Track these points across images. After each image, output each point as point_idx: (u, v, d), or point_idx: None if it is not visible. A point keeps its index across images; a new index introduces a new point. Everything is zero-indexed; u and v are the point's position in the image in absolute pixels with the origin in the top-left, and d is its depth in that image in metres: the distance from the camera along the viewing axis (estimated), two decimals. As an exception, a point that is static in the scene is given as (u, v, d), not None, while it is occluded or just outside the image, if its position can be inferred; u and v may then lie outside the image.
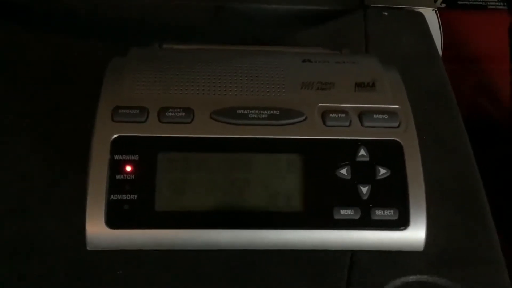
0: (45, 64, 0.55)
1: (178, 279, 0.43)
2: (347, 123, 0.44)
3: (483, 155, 0.52)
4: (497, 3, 0.86)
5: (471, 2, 0.87)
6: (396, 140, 0.44)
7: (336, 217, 0.42)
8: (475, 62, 0.86)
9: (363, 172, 0.43)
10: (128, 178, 0.42)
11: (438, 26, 0.65)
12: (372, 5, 0.64)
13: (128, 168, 0.42)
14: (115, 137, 0.43)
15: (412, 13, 0.64)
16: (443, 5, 0.85)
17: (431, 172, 0.45)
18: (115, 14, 0.60)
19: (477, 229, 0.47)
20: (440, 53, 0.63)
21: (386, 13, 0.63)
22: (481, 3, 0.87)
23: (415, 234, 0.42)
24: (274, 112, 0.44)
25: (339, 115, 0.45)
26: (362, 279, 0.44)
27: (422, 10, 0.64)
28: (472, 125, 0.55)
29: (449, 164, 0.50)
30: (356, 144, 0.44)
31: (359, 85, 0.47)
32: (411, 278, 0.44)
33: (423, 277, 0.44)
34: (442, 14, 0.66)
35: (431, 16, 0.65)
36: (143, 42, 0.52)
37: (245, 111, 0.44)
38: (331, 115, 0.45)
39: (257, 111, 0.44)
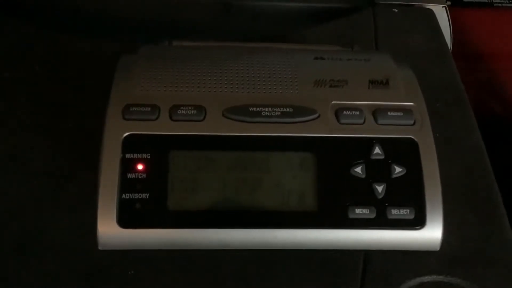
0: (54, 62, 0.55)
1: (190, 278, 0.43)
2: (361, 121, 0.44)
3: (491, 153, 0.52)
4: (502, 1, 0.86)
5: (476, 0, 0.86)
6: (411, 138, 0.43)
7: (351, 216, 0.42)
8: (480, 60, 0.86)
9: (378, 171, 0.42)
10: (140, 177, 0.41)
11: (448, 23, 0.65)
12: (381, 2, 0.63)
13: (140, 167, 0.42)
14: (126, 135, 0.42)
15: (422, 10, 0.64)
16: (448, 3, 0.84)
17: (444, 170, 0.44)
18: (123, 11, 0.60)
19: (491, 228, 0.46)
20: (450, 50, 0.62)
21: (395, 10, 0.63)
22: (486, 0, 0.86)
23: (431, 234, 0.42)
24: (287, 109, 0.44)
25: (353, 112, 0.44)
26: (376, 279, 0.43)
27: (431, 6, 0.64)
28: (479, 123, 0.54)
29: (462, 162, 0.50)
30: (371, 142, 0.43)
31: (373, 83, 0.46)
32: (426, 278, 0.43)
33: (439, 278, 0.43)
34: (447, 12, 0.66)
35: (441, 13, 0.64)
36: (151, 40, 0.51)
37: (258, 109, 0.44)
38: (344, 112, 0.44)
39: (270, 109, 0.44)
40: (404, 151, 0.43)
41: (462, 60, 0.73)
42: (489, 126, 0.65)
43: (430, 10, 0.64)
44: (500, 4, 0.86)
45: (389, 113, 0.44)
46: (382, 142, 0.43)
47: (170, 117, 0.43)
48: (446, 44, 0.61)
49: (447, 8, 0.65)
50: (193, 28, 0.59)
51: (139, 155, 0.42)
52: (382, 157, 0.43)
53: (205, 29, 0.59)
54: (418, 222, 0.42)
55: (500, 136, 0.78)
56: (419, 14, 0.64)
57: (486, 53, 0.85)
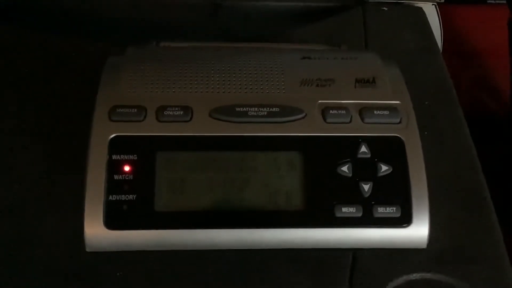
0: (41, 63, 0.55)
1: (178, 280, 0.43)
2: (348, 120, 0.44)
3: (482, 150, 0.52)
4: (496, -3, 0.86)
5: (470, -4, 0.86)
6: (397, 136, 0.43)
7: (338, 215, 0.42)
8: (474, 57, 0.86)
9: (365, 169, 0.43)
10: (127, 178, 0.41)
11: (438, 21, 0.65)
12: (371, 0, 0.63)
13: (127, 168, 0.42)
14: (113, 137, 0.42)
15: (412, 8, 0.64)
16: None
17: (432, 168, 0.44)
18: (111, 12, 0.60)
19: (480, 225, 0.46)
20: (440, 48, 0.62)
21: (385, 8, 0.63)
22: (480, -4, 0.86)
23: (418, 231, 0.42)
24: (274, 109, 0.44)
25: (340, 111, 0.44)
26: (365, 278, 0.43)
27: (421, 4, 0.64)
28: (471, 120, 0.54)
29: (451, 160, 0.50)
30: (357, 141, 0.43)
31: (359, 81, 0.46)
32: (414, 276, 0.43)
33: (427, 275, 0.43)
34: (440, 8, 0.65)
35: (430, 11, 0.64)
36: (140, 40, 0.51)
37: (245, 109, 0.44)
38: (331, 111, 0.44)
39: (256, 109, 0.44)
40: (390, 149, 0.43)
41: (455, 56, 0.73)
42: (481, 122, 0.65)
43: (420, 8, 0.64)
44: (493, 1, 0.86)
45: (375, 112, 0.44)
46: (369, 140, 0.43)
47: (157, 118, 0.43)
48: (436, 42, 0.61)
49: (437, 6, 0.65)
50: (182, 29, 0.59)
51: (125, 157, 0.42)
52: (369, 155, 0.43)
53: (194, 30, 0.59)
54: (404, 220, 0.42)
55: (493, 132, 0.78)
56: (409, 12, 0.63)
57: (479, 50, 0.85)
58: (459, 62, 0.83)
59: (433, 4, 0.65)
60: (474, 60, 0.86)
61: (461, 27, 0.85)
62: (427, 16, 0.63)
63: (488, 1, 0.87)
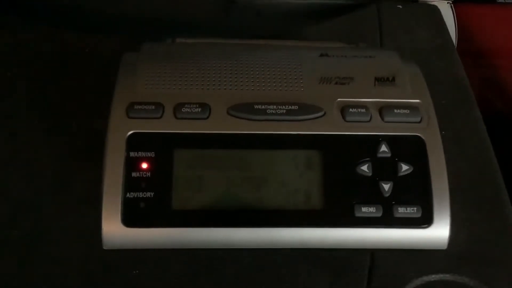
0: (57, 60, 0.54)
1: (195, 278, 0.42)
2: (368, 118, 0.43)
3: (494, 150, 0.52)
4: (506, -3, 0.85)
5: (480, -4, 0.86)
6: (418, 135, 0.43)
7: (358, 214, 0.41)
8: (484, 56, 0.85)
9: (385, 169, 0.42)
10: (144, 176, 0.41)
11: (453, 19, 0.64)
12: (386, -2, 0.63)
13: (144, 165, 0.41)
14: (131, 134, 0.42)
15: (427, 6, 0.63)
16: (452, -1, 0.84)
17: (450, 168, 0.43)
18: (126, 8, 0.59)
19: (499, 226, 0.46)
20: (455, 46, 0.62)
21: (400, 6, 0.63)
22: (490, -4, 0.85)
23: (439, 232, 0.41)
24: (293, 107, 0.43)
25: (359, 110, 0.44)
26: (383, 278, 0.43)
27: (437, 3, 0.64)
28: (483, 120, 0.54)
29: (469, 160, 0.50)
30: (377, 140, 0.43)
31: (379, 80, 0.46)
32: (433, 277, 0.43)
33: (446, 276, 0.43)
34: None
35: (446, 9, 0.64)
36: (155, 37, 0.51)
37: (263, 107, 0.43)
38: (350, 110, 0.44)
39: (275, 107, 0.43)
40: (411, 149, 0.43)
41: (466, 56, 0.73)
42: (492, 122, 0.65)
43: (435, 6, 0.63)
44: (503, 0, 0.86)
45: (395, 111, 0.44)
46: (389, 140, 0.43)
47: (175, 115, 0.43)
48: (452, 40, 0.60)
49: (452, 5, 0.64)
50: (197, 25, 0.59)
51: (143, 154, 0.41)
52: (389, 155, 0.42)
53: (209, 26, 0.59)
54: (425, 220, 0.41)
55: (504, 133, 0.78)
56: (424, 10, 0.63)
57: (489, 49, 0.85)
58: (469, 62, 0.83)
59: (448, 3, 0.64)
60: (483, 59, 0.86)
61: (471, 27, 0.85)
62: (442, 14, 0.63)
63: (498, 1, 0.87)
